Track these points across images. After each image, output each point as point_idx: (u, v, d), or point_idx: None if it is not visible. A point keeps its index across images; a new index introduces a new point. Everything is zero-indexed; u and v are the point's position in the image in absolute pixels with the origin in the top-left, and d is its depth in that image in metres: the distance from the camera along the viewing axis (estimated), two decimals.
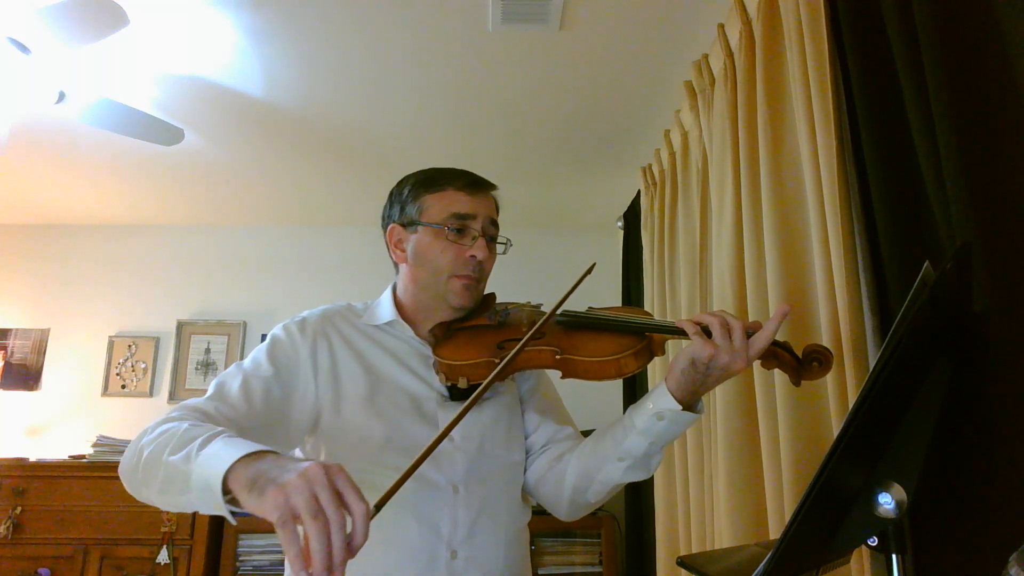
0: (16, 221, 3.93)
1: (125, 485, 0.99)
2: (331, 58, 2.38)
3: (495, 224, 1.26)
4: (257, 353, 1.18)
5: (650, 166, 3.00)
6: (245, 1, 2.08)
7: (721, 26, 2.03)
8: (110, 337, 3.80)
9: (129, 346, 3.80)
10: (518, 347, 1.04)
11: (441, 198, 1.22)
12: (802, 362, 1.04)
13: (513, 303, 1.28)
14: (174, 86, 2.53)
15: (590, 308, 1.21)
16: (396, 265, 1.30)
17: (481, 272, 1.23)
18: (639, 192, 3.21)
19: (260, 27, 2.21)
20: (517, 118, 2.78)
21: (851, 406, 0.99)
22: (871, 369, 0.95)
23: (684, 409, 1.04)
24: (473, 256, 1.20)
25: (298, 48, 2.33)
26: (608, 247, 3.79)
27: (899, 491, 0.74)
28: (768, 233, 1.65)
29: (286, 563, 1.15)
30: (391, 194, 1.31)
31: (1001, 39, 0.99)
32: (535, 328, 1.07)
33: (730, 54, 1.98)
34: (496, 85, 2.54)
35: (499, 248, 1.28)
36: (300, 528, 0.72)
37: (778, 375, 1.56)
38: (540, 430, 1.28)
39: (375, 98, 2.64)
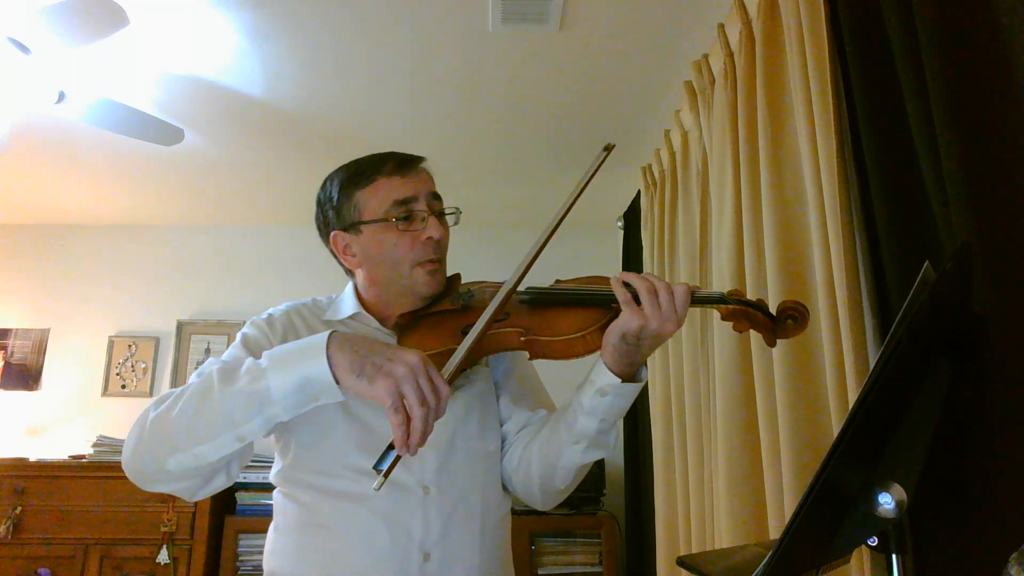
0: (16, 221, 3.93)
1: (136, 468, 0.98)
2: (331, 58, 2.38)
3: (438, 197, 1.20)
4: (233, 349, 1.15)
5: (650, 166, 3.00)
6: (245, 1, 2.08)
7: (721, 26, 2.03)
8: (110, 337, 3.80)
9: (129, 346, 3.79)
10: (474, 333, 0.99)
11: (375, 190, 1.16)
12: (776, 319, 1.02)
13: (477, 283, 1.21)
14: (174, 86, 2.53)
15: (556, 281, 1.15)
16: (349, 271, 1.26)
17: (441, 251, 1.18)
18: (639, 192, 3.21)
19: (260, 27, 2.21)
20: (517, 118, 2.78)
21: (851, 406, 0.99)
22: (871, 369, 0.95)
23: (626, 380, 1.02)
24: (430, 237, 1.14)
25: (298, 48, 2.33)
26: (608, 247, 3.79)
27: (899, 491, 0.74)
28: (768, 233, 1.65)
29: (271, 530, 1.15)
30: (319, 201, 1.23)
31: (1001, 39, 0.99)
32: (490, 313, 1.01)
33: (730, 54, 1.98)
34: (496, 85, 2.54)
35: (450, 220, 1.21)
36: None
37: (780, 375, 1.56)
38: (514, 417, 1.24)
39: (375, 98, 2.64)
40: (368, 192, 1.16)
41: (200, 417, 0.94)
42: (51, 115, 2.59)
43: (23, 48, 1.93)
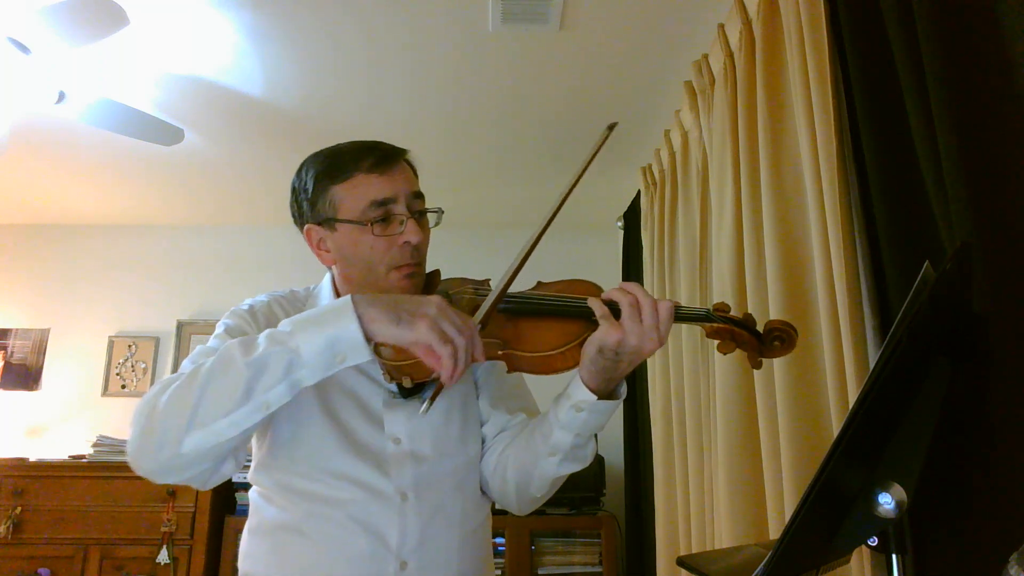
0: (16, 221, 3.93)
1: (148, 456, 0.93)
2: (331, 58, 2.38)
3: (419, 195, 1.13)
4: (215, 339, 1.10)
5: (650, 166, 3.00)
6: (245, 1, 2.08)
7: (721, 26, 2.03)
8: (110, 337, 3.80)
9: (129, 346, 3.79)
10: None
11: (352, 187, 1.09)
12: (763, 339, 0.97)
13: (457, 281, 1.16)
14: (174, 86, 2.53)
15: (539, 283, 1.10)
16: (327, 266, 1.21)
17: (419, 256, 1.12)
18: (639, 192, 3.21)
19: (260, 27, 2.21)
20: (517, 118, 2.78)
21: (851, 406, 0.99)
22: (871, 369, 0.95)
23: (604, 397, 0.99)
24: (408, 242, 1.09)
25: (298, 48, 2.33)
26: (608, 247, 3.79)
27: (899, 491, 0.74)
28: (768, 233, 1.65)
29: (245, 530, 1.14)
30: (293, 188, 1.18)
31: (1001, 39, 0.99)
32: (496, 296, 0.97)
33: (730, 54, 1.98)
34: (496, 85, 2.54)
35: (431, 219, 1.15)
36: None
37: (780, 375, 1.56)
38: (493, 420, 1.20)
39: (375, 98, 2.64)
40: (344, 188, 1.10)
41: (225, 388, 0.91)
42: (51, 115, 2.59)
43: (23, 48, 1.93)
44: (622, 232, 3.56)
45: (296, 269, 3.89)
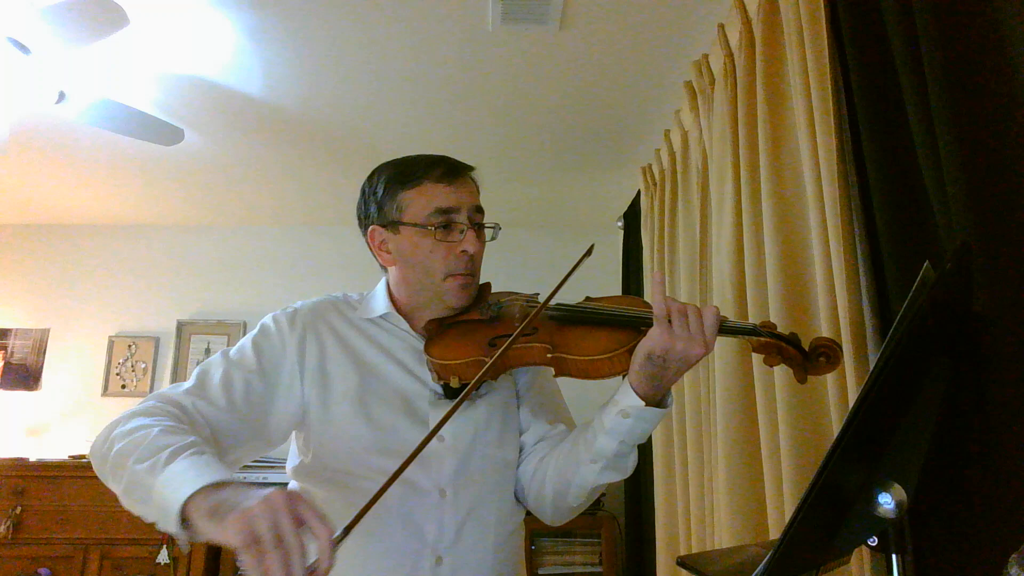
0: (16, 221, 3.93)
1: (94, 466, 1.00)
2: (331, 58, 2.38)
3: (480, 210, 1.20)
4: (245, 342, 1.15)
5: (650, 166, 3.00)
6: (245, 1, 2.08)
7: (721, 26, 2.03)
8: (110, 337, 3.80)
9: (129, 346, 3.80)
10: (504, 347, 1.00)
11: (420, 193, 1.15)
12: (808, 356, 1.00)
13: (507, 294, 1.22)
14: (174, 86, 2.53)
15: (587, 298, 1.15)
16: (383, 267, 1.26)
17: (475, 266, 1.18)
18: (639, 192, 3.21)
19: (260, 27, 2.21)
20: (517, 118, 2.78)
21: (851, 406, 0.99)
22: (871, 369, 0.95)
23: (651, 404, 1.01)
24: (465, 251, 1.15)
25: (298, 48, 2.33)
26: (608, 247, 3.79)
27: (899, 491, 0.74)
28: (768, 233, 1.65)
29: None
30: (363, 191, 1.23)
31: (1001, 39, 0.99)
32: (522, 326, 1.02)
33: (730, 54, 1.98)
34: (496, 85, 2.54)
35: (488, 233, 1.22)
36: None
37: (780, 375, 1.56)
38: (532, 429, 1.24)
39: (375, 98, 2.64)
40: (413, 194, 1.16)
41: (118, 472, 0.93)
42: (51, 115, 2.59)
43: (23, 48, 1.93)
44: (622, 232, 3.56)
45: (296, 269, 3.91)
